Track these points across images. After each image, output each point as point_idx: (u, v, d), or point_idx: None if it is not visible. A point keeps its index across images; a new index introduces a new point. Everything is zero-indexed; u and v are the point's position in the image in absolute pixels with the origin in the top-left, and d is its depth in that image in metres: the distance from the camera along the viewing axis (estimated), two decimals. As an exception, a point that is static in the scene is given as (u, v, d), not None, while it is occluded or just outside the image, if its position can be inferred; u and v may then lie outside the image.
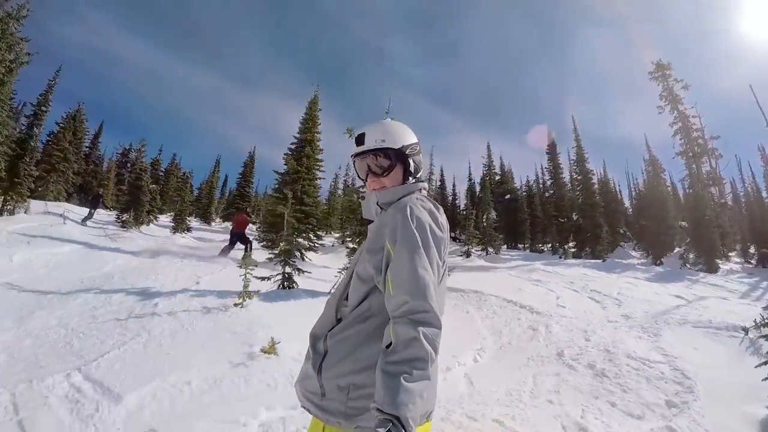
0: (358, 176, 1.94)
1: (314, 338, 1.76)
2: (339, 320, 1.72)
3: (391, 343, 1.40)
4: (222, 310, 6.52)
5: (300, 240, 13.45)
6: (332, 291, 2.14)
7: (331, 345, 1.67)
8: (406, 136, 1.88)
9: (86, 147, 34.09)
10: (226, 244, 15.07)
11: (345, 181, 41.64)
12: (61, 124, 27.48)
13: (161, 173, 36.17)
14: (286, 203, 11.01)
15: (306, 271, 10.46)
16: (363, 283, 1.70)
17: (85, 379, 4.03)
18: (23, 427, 3.21)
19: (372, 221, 1.89)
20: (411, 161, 1.87)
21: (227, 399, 3.93)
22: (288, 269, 9.34)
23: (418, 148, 1.92)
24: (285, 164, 16.69)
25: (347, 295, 1.76)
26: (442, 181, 44.90)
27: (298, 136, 17.51)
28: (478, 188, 38.39)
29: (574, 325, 7.14)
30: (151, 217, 23.83)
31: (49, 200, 22.97)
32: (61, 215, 18.12)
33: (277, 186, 18.25)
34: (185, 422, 3.43)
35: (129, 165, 38.70)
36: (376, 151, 1.84)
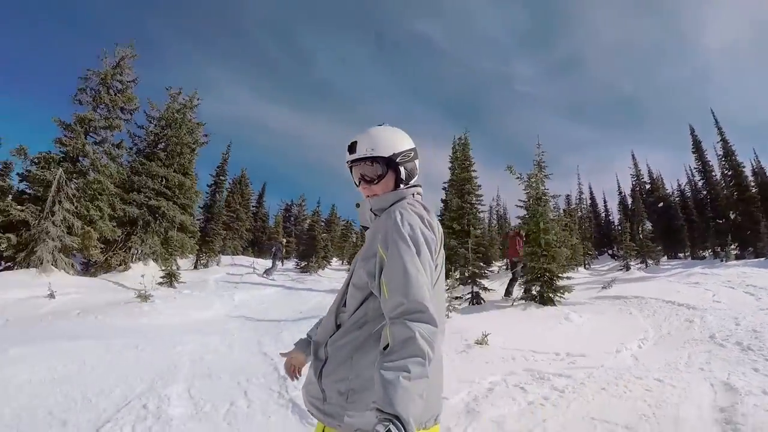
0: (354, 183, 1.99)
1: (316, 345, 1.86)
2: (338, 326, 1.80)
3: (388, 345, 1.44)
4: None
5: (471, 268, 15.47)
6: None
7: (330, 351, 1.74)
8: (397, 144, 1.91)
9: (253, 206, 40.09)
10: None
11: (497, 212, 43.30)
12: (230, 189, 33.11)
13: (323, 223, 40.72)
14: (456, 236, 13.34)
15: (490, 289, 12.76)
16: (358, 290, 1.77)
17: None
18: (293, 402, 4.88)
19: (368, 228, 1.95)
20: (402, 168, 1.91)
21: (459, 371, 5.77)
22: (476, 288, 11.66)
23: (411, 154, 1.95)
24: (446, 201, 18.95)
25: (345, 301, 1.84)
26: (592, 198, 44.29)
27: (451, 177, 19.72)
28: (629, 201, 37.43)
29: (727, 314, 8.05)
30: (325, 262, 27.83)
31: (229, 254, 28.09)
32: (250, 266, 22.55)
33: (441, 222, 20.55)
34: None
35: (292, 219, 44.54)
36: (366, 160, 1.88)
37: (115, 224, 17.62)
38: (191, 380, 5.46)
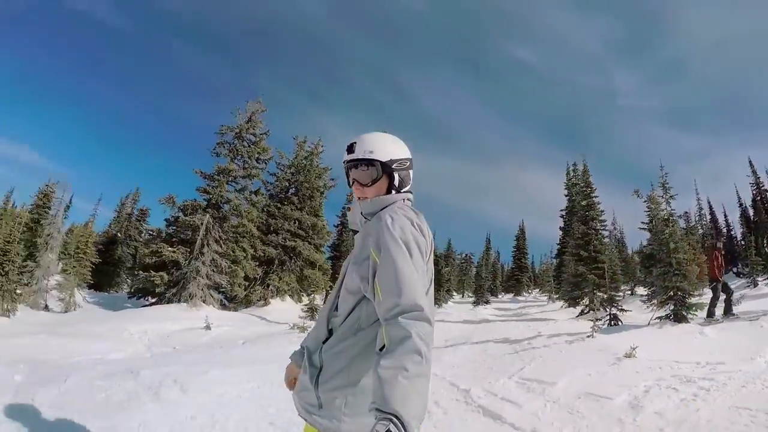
0: (348, 183, 1.99)
1: (309, 351, 1.85)
2: (330, 331, 1.80)
3: (384, 345, 1.46)
4: (580, 340, 8.97)
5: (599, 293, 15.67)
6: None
7: (326, 359, 1.75)
8: (395, 150, 1.93)
9: None
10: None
11: (616, 236, 42.00)
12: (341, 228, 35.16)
13: (441, 258, 41.60)
14: (584, 263, 14.01)
15: (627, 309, 13.24)
16: (351, 294, 1.78)
17: (521, 379, 6.38)
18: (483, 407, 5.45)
19: (357, 231, 1.96)
20: (396, 175, 1.92)
21: (615, 379, 6.08)
22: (613, 310, 12.30)
23: (408, 163, 1.97)
24: (565, 228, 19.40)
25: (337, 306, 1.84)
26: (712, 213, 41.25)
27: (568, 204, 20.13)
28: (751, 212, 34.56)
29: None
30: (448, 295, 28.90)
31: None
32: None
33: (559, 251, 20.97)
34: (602, 389, 5.65)
35: None
36: (363, 161, 1.89)
37: (256, 263, 19.90)
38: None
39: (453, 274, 36.88)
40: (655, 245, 12.66)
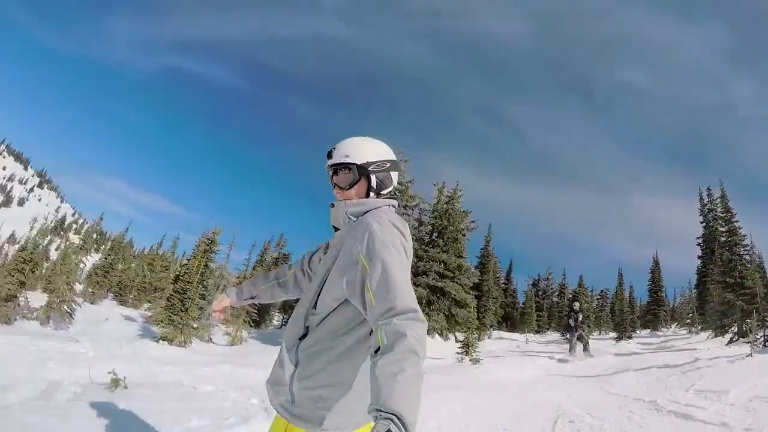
0: (331, 187, 2.07)
1: (285, 347, 1.90)
2: (307, 329, 1.85)
3: (380, 347, 1.46)
4: (740, 359, 10.15)
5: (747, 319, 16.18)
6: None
7: (301, 358, 1.81)
8: (372, 153, 2.00)
9: (503, 283, 42.59)
10: None
11: (756, 259, 39.45)
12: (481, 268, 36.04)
13: (571, 294, 41.15)
14: (731, 289, 14.86)
15: None
16: (333, 299, 1.84)
17: (696, 390, 7.71)
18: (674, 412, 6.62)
19: (338, 229, 2.02)
20: (374, 177, 1.99)
21: None
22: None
23: (387, 165, 2.03)
24: (703, 257, 19.75)
25: (316, 304, 1.88)
26: None
27: (704, 232, 20.38)
28: None
29: None
30: (590, 330, 29.39)
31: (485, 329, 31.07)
32: (524, 340, 25.16)
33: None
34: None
35: (540, 293, 45.53)
36: (341, 165, 1.98)
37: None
38: (564, 414, 6.93)
39: (590, 311, 36.59)
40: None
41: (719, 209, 20.90)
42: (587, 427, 6.14)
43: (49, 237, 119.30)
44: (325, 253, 2.09)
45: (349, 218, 1.95)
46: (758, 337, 13.12)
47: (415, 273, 22.90)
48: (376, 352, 1.48)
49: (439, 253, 23.50)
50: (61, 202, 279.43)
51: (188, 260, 20.74)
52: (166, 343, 15.01)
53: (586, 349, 17.19)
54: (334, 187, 2.04)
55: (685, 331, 29.26)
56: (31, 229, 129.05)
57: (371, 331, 1.63)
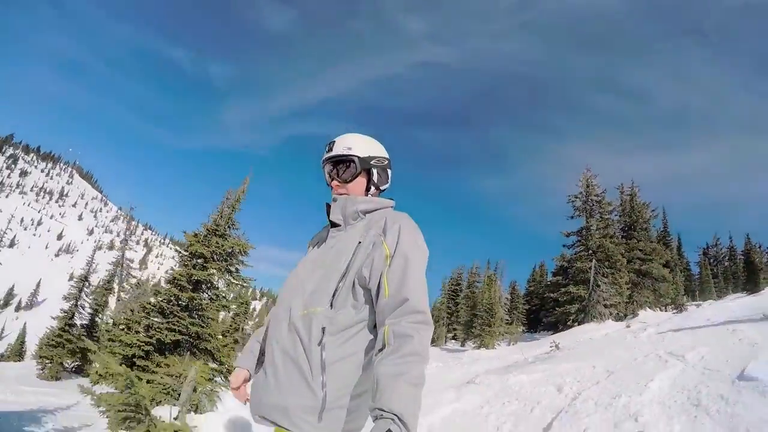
0: (326, 181, 2.04)
1: (281, 353, 1.72)
2: (323, 330, 1.66)
3: (384, 345, 1.49)
4: None
5: None
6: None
7: (328, 358, 1.63)
8: (372, 148, 2.00)
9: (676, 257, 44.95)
10: None
11: None
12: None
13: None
14: None
15: None
16: (353, 292, 1.73)
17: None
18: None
19: (335, 226, 1.94)
20: (375, 171, 1.98)
21: None
22: None
23: (386, 162, 2.02)
24: None
25: (332, 303, 1.71)
26: None
27: None
28: None
29: None
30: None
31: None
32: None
33: None
34: None
35: (711, 260, 47.19)
36: (342, 158, 1.95)
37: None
38: None
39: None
40: None
41: None
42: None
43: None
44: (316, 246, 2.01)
45: (359, 215, 1.91)
46: None
47: (621, 263, 27.77)
48: (380, 350, 1.51)
49: (636, 242, 28.69)
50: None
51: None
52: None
53: None
54: (332, 179, 2.00)
55: None
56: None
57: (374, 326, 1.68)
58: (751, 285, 36.73)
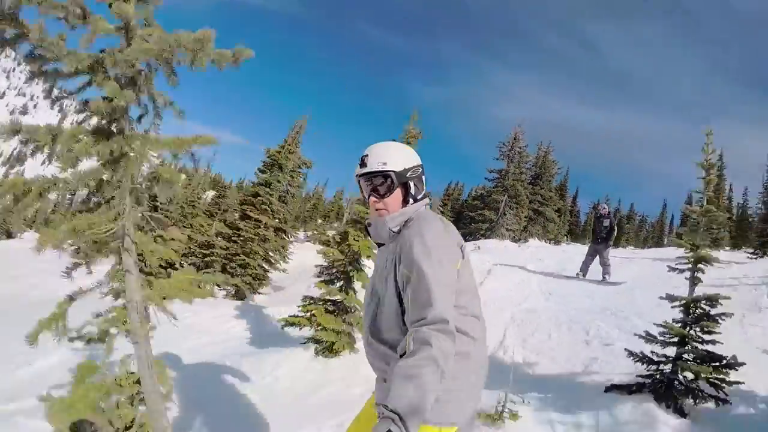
0: (362, 196, 2.07)
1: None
2: (392, 347, 1.88)
3: (405, 351, 1.58)
4: None
5: None
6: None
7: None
8: (407, 159, 1.99)
9: (570, 205, 54.18)
10: None
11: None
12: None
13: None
14: None
15: None
16: (392, 312, 1.90)
17: None
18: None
19: (381, 244, 2.06)
20: (411, 183, 1.99)
21: None
22: None
23: (420, 170, 2.03)
24: None
25: (380, 325, 1.96)
26: None
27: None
28: None
29: None
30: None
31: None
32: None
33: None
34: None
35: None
36: (378, 173, 1.95)
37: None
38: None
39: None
40: None
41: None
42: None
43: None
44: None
45: (392, 232, 1.95)
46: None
47: (524, 202, 36.29)
48: (401, 355, 1.60)
49: (540, 189, 37.42)
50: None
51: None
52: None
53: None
54: (369, 196, 2.01)
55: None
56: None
57: None
58: (615, 242, 45.69)
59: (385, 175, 1.96)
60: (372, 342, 1.98)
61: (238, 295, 12.84)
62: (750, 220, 29.81)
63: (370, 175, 1.99)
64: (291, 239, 15.24)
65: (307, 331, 7.55)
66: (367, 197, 2.03)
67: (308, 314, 7.59)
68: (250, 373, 6.07)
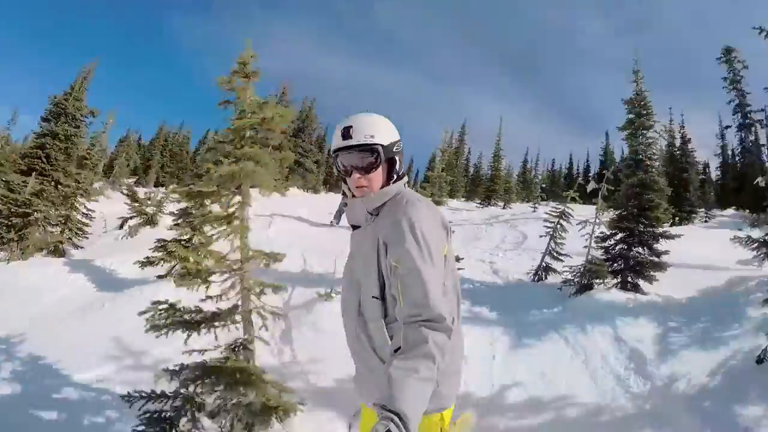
0: (339, 172, 1.87)
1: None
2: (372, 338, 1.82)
3: (400, 347, 1.52)
4: None
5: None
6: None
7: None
8: (392, 132, 1.83)
9: (326, 158, 56.52)
10: None
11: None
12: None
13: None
14: None
15: None
16: (374, 299, 1.78)
17: None
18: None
19: (357, 227, 1.91)
20: (397, 159, 1.83)
21: None
22: None
23: (401, 146, 1.86)
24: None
25: (363, 313, 1.84)
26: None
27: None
28: None
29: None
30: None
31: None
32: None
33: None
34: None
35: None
36: (365, 147, 1.76)
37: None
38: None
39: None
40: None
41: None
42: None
43: None
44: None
45: (371, 214, 1.83)
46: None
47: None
48: (396, 351, 1.54)
49: (302, 142, 39.32)
50: None
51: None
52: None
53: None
54: (351, 171, 1.81)
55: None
56: None
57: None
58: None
59: (372, 149, 1.77)
60: (360, 335, 1.86)
61: (57, 252, 11.60)
62: (482, 179, 36.68)
63: (354, 149, 1.79)
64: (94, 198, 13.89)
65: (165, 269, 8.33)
66: (348, 173, 1.83)
67: (164, 253, 8.33)
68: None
